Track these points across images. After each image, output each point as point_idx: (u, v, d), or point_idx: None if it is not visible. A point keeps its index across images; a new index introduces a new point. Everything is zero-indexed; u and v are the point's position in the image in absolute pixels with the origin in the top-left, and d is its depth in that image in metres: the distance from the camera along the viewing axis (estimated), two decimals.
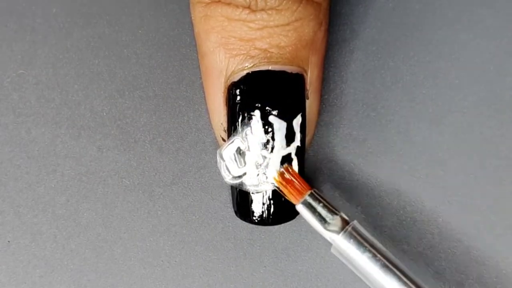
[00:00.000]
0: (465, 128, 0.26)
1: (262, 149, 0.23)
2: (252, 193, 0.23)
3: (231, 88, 0.23)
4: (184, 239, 0.26)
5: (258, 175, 0.23)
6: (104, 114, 0.26)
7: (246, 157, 0.23)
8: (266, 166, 0.23)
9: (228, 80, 0.23)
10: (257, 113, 0.23)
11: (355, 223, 0.23)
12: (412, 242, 0.25)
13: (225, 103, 0.24)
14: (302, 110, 0.23)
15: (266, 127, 0.23)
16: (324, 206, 0.23)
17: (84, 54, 0.27)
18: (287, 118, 0.23)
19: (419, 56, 0.26)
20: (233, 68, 0.23)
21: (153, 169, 0.26)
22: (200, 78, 0.26)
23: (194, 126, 0.26)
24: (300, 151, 0.23)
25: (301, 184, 0.23)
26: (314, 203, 0.23)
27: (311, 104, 0.24)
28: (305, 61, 0.23)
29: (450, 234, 0.25)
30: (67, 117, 0.26)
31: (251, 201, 0.24)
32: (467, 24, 0.26)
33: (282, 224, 0.25)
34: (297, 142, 0.23)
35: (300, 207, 0.23)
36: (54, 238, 0.26)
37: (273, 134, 0.23)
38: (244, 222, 0.24)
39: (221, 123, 0.24)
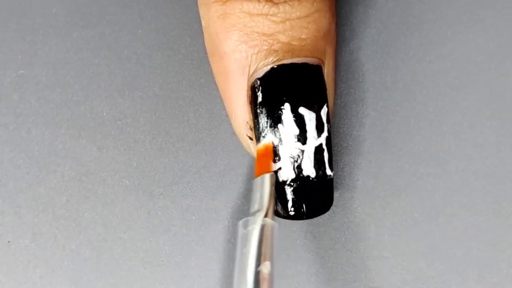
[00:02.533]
0: (465, 128, 0.26)
1: (295, 141, 0.23)
2: (288, 187, 0.23)
3: (256, 85, 0.23)
4: (184, 239, 0.26)
5: (293, 168, 0.23)
6: (104, 114, 0.26)
7: (280, 151, 0.23)
8: (301, 159, 0.23)
9: (252, 77, 0.23)
10: (287, 106, 0.23)
11: (275, 227, 0.23)
12: (412, 242, 0.25)
13: (249, 101, 0.24)
14: (326, 100, 0.24)
15: (297, 119, 0.23)
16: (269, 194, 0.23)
17: (84, 54, 0.27)
18: (316, 108, 0.23)
19: (419, 56, 0.26)
20: (256, 64, 0.23)
21: (153, 169, 0.26)
22: (201, 78, 0.26)
23: (194, 126, 0.26)
24: (329, 142, 0.24)
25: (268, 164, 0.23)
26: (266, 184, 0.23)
27: (328, 95, 0.24)
28: (323, 52, 0.24)
29: (450, 234, 0.25)
30: (67, 117, 0.26)
31: (287, 195, 0.23)
32: (467, 24, 0.26)
33: (282, 224, 0.25)
34: (326, 132, 0.23)
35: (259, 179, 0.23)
36: (54, 238, 0.26)
37: (304, 125, 0.23)
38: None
39: (247, 122, 0.24)
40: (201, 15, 0.24)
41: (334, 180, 0.26)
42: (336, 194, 0.26)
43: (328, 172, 0.24)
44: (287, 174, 0.23)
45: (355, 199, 0.26)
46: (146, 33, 0.27)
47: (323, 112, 0.23)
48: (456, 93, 0.26)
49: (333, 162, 0.25)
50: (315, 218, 0.26)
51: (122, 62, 0.27)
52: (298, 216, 0.23)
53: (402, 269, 0.25)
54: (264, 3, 0.23)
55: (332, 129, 0.26)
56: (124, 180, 0.26)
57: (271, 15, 0.23)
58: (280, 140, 0.23)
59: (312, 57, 0.23)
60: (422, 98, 0.26)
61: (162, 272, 0.26)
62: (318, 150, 0.23)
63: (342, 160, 0.26)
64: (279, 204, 0.24)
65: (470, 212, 0.26)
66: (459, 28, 0.26)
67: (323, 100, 0.23)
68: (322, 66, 0.24)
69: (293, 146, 0.23)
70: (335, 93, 0.25)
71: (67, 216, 0.26)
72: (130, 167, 0.26)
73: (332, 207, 0.26)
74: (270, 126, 0.23)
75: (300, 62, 0.23)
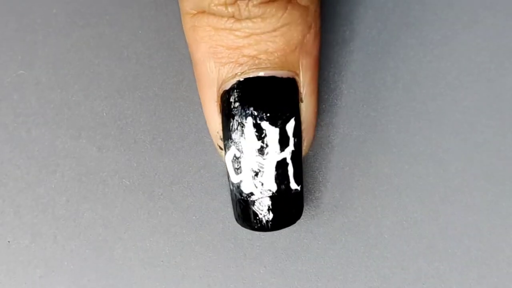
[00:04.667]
0: (465, 128, 0.26)
1: (257, 155, 0.23)
2: (250, 199, 0.23)
3: (224, 97, 0.23)
4: (184, 240, 0.26)
5: (254, 181, 0.23)
6: (104, 114, 0.26)
7: (242, 164, 0.23)
8: (262, 172, 0.23)
9: (220, 89, 0.23)
10: (249, 120, 0.23)
11: None
12: (412, 242, 0.25)
13: (219, 111, 0.24)
14: (295, 114, 0.23)
15: (259, 133, 0.23)
16: None
17: (84, 54, 0.27)
18: (280, 123, 0.23)
19: (419, 56, 0.26)
20: (223, 77, 0.23)
21: (153, 170, 0.26)
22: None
23: (194, 126, 0.26)
24: (295, 156, 0.23)
25: None
26: None
27: (307, 107, 0.24)
28: (296, 64, 0.23)
29: (450, 234, 0.25)
30: (67, 117, 0.26)
31: (250, 208, 0.23)
32: (467, 24, 0.26)
33: None
34: (291, 146, 0.23)
35: None
36: (54, 238, 0.26)
37: (266, 139, 0.23)
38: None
39: (217, 132, 0.24)
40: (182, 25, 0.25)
41: (334, 180, 0.26)
42: (336, 194, 0.26)
43: (293, 186, 0.23)
44: (248, 187, 0.23)
45: (355, 199, 0.26)
46: (146, 33, 0.27)
47: (289, 126, 0.23)
48: (456, 93, 0.26)
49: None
50: (314, 219, 0.26)
51: (122, 62, 0.27)
52: (262, 229, 0.24)
53: (402, 269, 0.25)
54: (227, 19, 0.22)
55: (332, 129, 0.26)
56: (124, 180, 0.26)
57: (234, 30, 0.23)
58: (242, 153, 0.23)
59: (282, 70, 0.23)
60: (422, 98, 0.26)
61: (162, 272, 0.26)
62: (281, 164, 0.23)
63: (342, 160, 0.26)
64: (242, 216, 0.24)
65: (470, 212, 0.26)
66: (459, 28, 0.26)
67: (290, 114, 0.23)
68: (296, 78, 0.24)
69: (254, 160, 0.23)
70: (317, 105, 0.25)
71: (67, 216, 0.26)
72: (130, 167, 0.26)
73: (332, 207, 0.26)
74: (234, 138, 0.23)
75: (267, 75, 0.23)
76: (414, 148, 0.26)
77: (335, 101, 0.26)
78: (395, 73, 0.26)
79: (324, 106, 0.26)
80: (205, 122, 0.26)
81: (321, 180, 0.26)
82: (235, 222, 0.26)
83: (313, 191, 0.26)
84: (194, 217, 0.26)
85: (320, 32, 0.24)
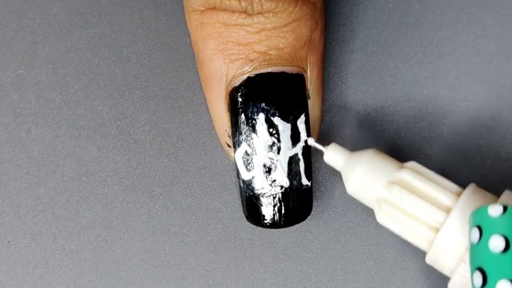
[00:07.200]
0: (465, 129, 0.26)
1: (269, 151, 0.23)
2: (262, 196, 0.23)
3: (233, 93, 0.23)
4: (184, 239, 0.26)
5: (266, 177, 0.23)
6: (104, 114, 0.26)
7: (254, 161, 0.23)
8: (274, 168, 0.23)
9: (229, 86, 0.23)
10: (261, 116, 0.23)
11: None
12: None
13: (227, 109, 0.24)
14: (305, 109, 0.23)
15: (271, 129, 0.23)
16: None
17: (84, 54, 0.27)
18: (291, 118, 0.23)
19: (419, 56, 0.26)
20: (233, 73, 0.23)
21: (153, 169, 0.26)
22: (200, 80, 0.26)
23: (194, 126, 0.26)
24: (306, 151, 0.23)
25: None
26: None
27: (313, 103, 0.24)
28: (304, 61, 0.23)
29: None
30: (67, 117, 0.26)
31: (261, 204, 0.23)
32: (467, 24, 0.26)
33: None
34: (302, 142, 0.23)
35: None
36: (54, 238, 0.26)
37: (278, 135, 0.23)
38: (245, 222, 0.24)
39: (225, 129, 0.24)
40: (186, 23, 0.24)
41: (335, 180, 0.26)
42: (336, 194, 0.26)
43: (304, 182, 0.24)
44: (260, 183, 0.23)
45: (355, 199, 0.26)
46: (146, 33, 0.27)
47: (300, 121, 0.23)
48: (456, 93, 0.26)
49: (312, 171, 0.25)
50: (314, 219, 0.26)
51: (122, 62, 0.27)
52: (274, 226, 0.24)
53: (402, 269, 0.25)
54: (238, 14, 0.22)
55: (332, 129, 0.26)
56: (124, 180, 0.26)
57: (245, 25, 0.23)
58: (253, 149, 0.23)
59: (291, 66, 0.23)
60: (422, 98, 0.26)
61: (162, 272, 0.26)
62: (293, 160, 0.23)
63: None
64: (253, 214, 0.24)
65: None
66: (459, 28, 0.26)
67: (301, 110, 0.23)
68: (304, 74, 0.24)
69: (266, 156, 0.23)
70: (322, 101, 0.25)
71: (67, 216, 0.26)
72: (130, 167, 0.26)
73: (332, 207, 0.26)
74: (245, 135, 0.23)
75: (277, 71, 0.23)
76: (414, 149, 0.26)
77: (335, 101, 0.26)
78: (395, 73, 0.26)
79: (324, 106, 0.26)
80: (205, 122, 0.26)
81: (321, 179, 0.26)
82: (235, 222, 0.26)
83: (313, 191, 0.26)
84: (194, 217, 0.26)
85: (324, 29, 0.24)
